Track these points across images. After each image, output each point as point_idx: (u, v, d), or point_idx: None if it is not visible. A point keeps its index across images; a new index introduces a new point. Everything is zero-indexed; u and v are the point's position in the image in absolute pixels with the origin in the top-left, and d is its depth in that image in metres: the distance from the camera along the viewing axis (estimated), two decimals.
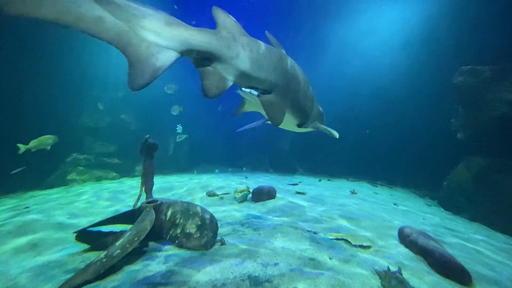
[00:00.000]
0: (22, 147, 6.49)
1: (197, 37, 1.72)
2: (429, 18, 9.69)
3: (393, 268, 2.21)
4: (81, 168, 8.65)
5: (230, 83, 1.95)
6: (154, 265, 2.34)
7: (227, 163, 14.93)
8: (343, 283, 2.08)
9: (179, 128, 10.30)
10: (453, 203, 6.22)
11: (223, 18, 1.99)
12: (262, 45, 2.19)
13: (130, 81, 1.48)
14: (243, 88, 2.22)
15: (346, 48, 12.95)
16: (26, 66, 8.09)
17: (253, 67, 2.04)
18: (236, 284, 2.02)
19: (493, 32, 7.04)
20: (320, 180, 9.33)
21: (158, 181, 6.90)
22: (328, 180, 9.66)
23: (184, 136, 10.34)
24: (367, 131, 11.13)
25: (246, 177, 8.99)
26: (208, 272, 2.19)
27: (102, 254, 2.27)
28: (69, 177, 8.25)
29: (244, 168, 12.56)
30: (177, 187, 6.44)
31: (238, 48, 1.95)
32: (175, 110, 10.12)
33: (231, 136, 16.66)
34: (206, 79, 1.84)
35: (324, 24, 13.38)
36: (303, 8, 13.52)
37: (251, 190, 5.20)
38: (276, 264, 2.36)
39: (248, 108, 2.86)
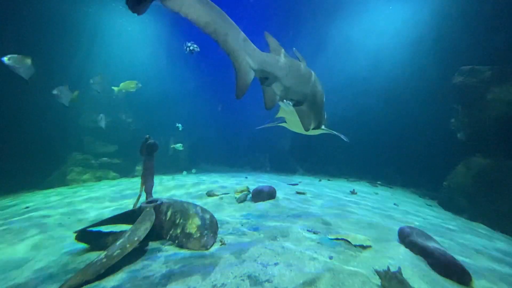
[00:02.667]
0: (115, 89, 7.57)
1: (267, 61, 2.13)
2: (429, 19, 9.68)
3: (393, 268, 2.21)
4: (81, 168, 8.66)
5: (278, 97, 2.35)
6: (154, 265, 2.34)
7: (227, 163, 14.93)
8: (343, 283, 2.08)
9: (180, 127, 10.25)
10: (453, 203, 6.21)
11: (273, 43, 2.35)
12: (297, 63, 2.56)
13: (236, 91, 1.92)
14: (285, 100, 2.57)
15: (346, 47, 12.94)
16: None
17: (294, 83, 2.43)
18: (236, 284, 2.02)
19: (493, 32, 7.04)
20: (320, 180, 9.33)
21: (157, 181, 6.90)
22: (328, 180, 9.66)
23: (181, 147, 10.22)
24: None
25: (246, 177, 8.99)
26: (208, 272, 2.19)
27: (102, 254, 2.27)
28: (69, 177, 8.25)
29: (194, 171, 11.40)
30: (176, 187, 6.44)
31: (286, 69, 2.33)
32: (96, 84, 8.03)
33: (231, 136, 16.68)
34: (267, 94, 2.27)
35: (325, 22, 13.36)
36: (305, 6, 13.51)
37: (251, 190, 5.19)
38: (276, 264, 2.36)
39: (280, 114, 3.23)
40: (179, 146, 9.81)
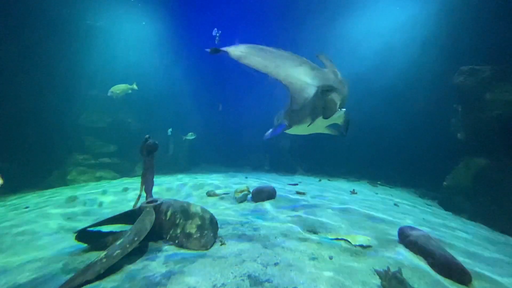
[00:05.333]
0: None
1: (327, 78, 2.62)
2: (428, 18, 9.68)
3: (393, 268, 2.21)
4: (81, 168, 8.66)
5: (337, 106, 2.79)
6: (154, 265, 2.34)
7: (227, 163, 14.92)
8: (343, 283, 2.08)
9: (169, 131, 10.25)
10: (453, 203, 6.21)
11: (329, 62, 2.83)
12: (342, 77, 2.99)
13: (291, 104, 2.43)
14: (341, 108, 3.00)
15: (345, 47, 12.92)
16: (26, 66, 8.09)
17: (345, 93, 2.92)
18: (236, 284, 2.02)
19: (493, 32, 7.03)
20: (320, 180, 9.32)
21: (157, 181, 6.90)
22: (328, 180, 9.65)
23: (193, 136, 10.20)
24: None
25: (246, 177, 8.98)
26: (208, 272, 2.19)
27: (102, 254, 2.27)
28: (69, 177, 8.25)
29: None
30: (176, 187, 6.44)
31: (338, 82, 2.80)
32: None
33: (231, 136, 16.66)
34: (329, 105, 2.69)
35: (328, 21, 13.33)
36: (307, 4, 13.47)
37: (251, 190, 5.19)
38: (276, 264, 2.37)
39: (332, 120, 3.53)
40: (190, 135, 9.75)
